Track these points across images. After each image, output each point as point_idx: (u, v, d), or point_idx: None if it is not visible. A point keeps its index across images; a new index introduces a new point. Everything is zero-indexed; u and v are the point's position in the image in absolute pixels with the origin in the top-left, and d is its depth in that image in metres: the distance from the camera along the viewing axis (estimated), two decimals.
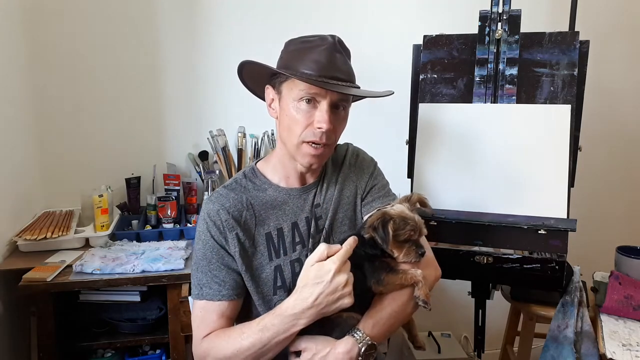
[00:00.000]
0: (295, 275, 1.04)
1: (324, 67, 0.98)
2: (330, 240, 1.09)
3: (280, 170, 1.10)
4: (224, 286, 1.02)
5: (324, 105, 0.99)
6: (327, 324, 0.95)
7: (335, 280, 0.87)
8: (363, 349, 0.93)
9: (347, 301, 0.89)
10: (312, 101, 0.99)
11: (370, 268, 0.99)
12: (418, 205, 1.06)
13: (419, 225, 1.00)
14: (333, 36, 1.02)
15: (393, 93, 1.09)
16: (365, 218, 1.11)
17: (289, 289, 1.04)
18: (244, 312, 1.07)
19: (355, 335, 0.95)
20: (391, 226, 0.97)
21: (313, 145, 1.00)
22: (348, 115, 1.06)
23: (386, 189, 1.18)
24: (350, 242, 0.92)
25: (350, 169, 1.17)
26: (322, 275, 0.88)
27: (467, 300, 1.78)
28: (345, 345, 0.93)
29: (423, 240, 1.05)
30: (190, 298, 1.35)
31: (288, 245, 1.07)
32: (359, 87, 1.05)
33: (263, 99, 1.13)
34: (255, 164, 1.15)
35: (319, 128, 0.99)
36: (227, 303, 1.02)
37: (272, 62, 1.07)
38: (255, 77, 1.10)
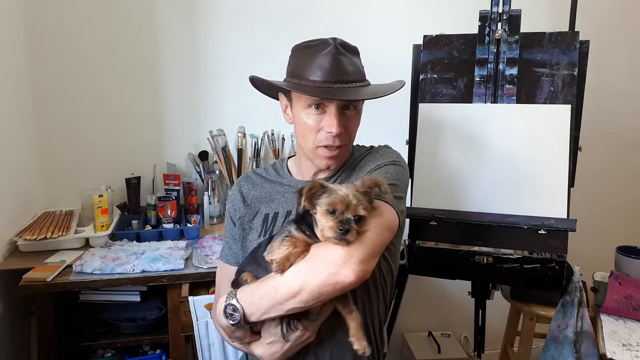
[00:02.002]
0: None
1: (328, 72, 1.00)
2: None
3: (300, 167, 1.16)
4: (230, 252, 1.16)
5: (332, 109, 1.01)
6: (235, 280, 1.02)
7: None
8: (224, 307, 0.92)
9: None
10: (320, 106, 1.02)
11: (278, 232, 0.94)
12: (376, 190, 0.90)
13: (348, 200, 0.84)
14: (334, 39, 1.02)
15: (403, 84, 1.13)
16: None
17: None
18: None
19: (230, 293, 0.94)
20: (306, 189, 0.86)
21: (327, 148, 1.04)
22: (361, 112, 1.09)
23: (390, 181, 1.00)
24: None
25: (355, 167, 1.11)
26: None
27: (467, 300, 1.79)
28: (222, 299, 0.95)
29: (373, 224, 0.88)
30: (194, 310, 1.48)
31: (277, 228, 1.10)
32: (369, 84, 1.07)
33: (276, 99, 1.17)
34: (288, 158, 1.22)
35: (329, 132, 1.02)
36: (230, 268, 1.12)
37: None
38: (267, 85, 1.12)
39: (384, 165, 1.06)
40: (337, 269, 0.83)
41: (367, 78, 1.09)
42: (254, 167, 1.19)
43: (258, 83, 1.14)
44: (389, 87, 1.10)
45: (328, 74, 1.00)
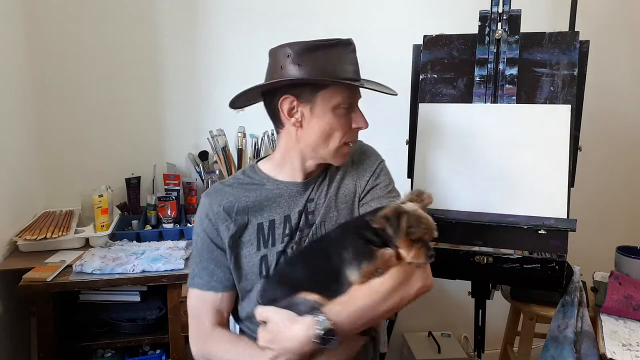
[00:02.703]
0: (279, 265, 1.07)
1: (356, 70, 1.05)
2: (318, 235, 1.08)
3: (286, 169, 1.11)
4: (213, 277, 1.06)
5: (357, 106, 1.06)
6: (288, 303, 0.93)
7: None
8: (322, 332, 0.87)
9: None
10: (349, 106, 1.04)
11: (352, 250, 0.95)
12: (428, 206, 1.02)
13: (432, 227, 0.95)
14: (348, 39, 1.05)
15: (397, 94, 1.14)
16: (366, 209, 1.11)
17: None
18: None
19: (317, 316, 0.89)
20: (405, 220, 0.92)
21: (349, 145, 1.08)
22: None
23: (389, 188, 1.14)
24: None
25: (352, 166, 1.15)
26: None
27: (467, 300, 1.78)
28: (303, 324, 0.89)
29: None
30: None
31: (277, 237, 1.07)
32: (385, 86, 1.14)
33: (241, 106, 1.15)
34: (256, 162, 1.16)
35: (359, 128, 1.07)
36: (216, 295, 1.06)
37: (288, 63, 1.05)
38: (251, 96, 1.10)
39: (380, 170, 1.16)
40: (425, 283, 1.01)
41: (365, 78, 1.11)
42: (223, 181, 1.14)
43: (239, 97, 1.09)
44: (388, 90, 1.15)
45: (356, 72, 1.05)
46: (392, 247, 0.95)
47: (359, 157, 1.17)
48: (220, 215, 1.06)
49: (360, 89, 1.06)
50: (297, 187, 1.10)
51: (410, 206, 0.97)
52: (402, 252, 0.94)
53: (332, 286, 0.94)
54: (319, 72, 1.01)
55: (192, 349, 1.06)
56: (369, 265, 0.93)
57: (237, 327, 1.16)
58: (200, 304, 1.06)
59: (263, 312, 0.96)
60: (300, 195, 1.10)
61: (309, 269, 0.99)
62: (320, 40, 1.02)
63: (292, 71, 1.01)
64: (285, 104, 1.04)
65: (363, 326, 0.95)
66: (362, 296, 0.93)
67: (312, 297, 0.93)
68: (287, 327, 0.90)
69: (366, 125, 1.06)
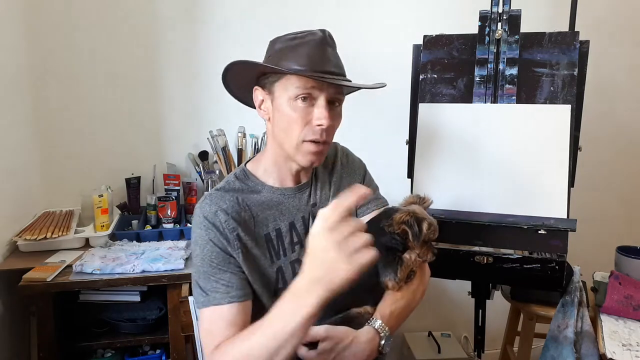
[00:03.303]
0: (296, 276, 1.02)
1: (317, 62, 0.95)
2: None
3: (273, 172, 1.06)
4: (232, 287, 0.94)
5: (321, 101, 0.96)
6: (340, 320, 0.95)
7: (331, 241, 0.67)
8: (385, 339, 0.95)
9: (345, 277, 0.67)
10: (308, 99, 0.96)
11: (383, 261, 1.00)
12: (428, 208, 1.11)
13: (437, 228, 1.05)
14: (323, 30, 0.99)
15: (385, 85, 1.09)
16: (370, 214, 1.14)
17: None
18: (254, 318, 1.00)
19: (376, 325, 0.96)
20: (426, 226, 1.00)
21: (314, 143, 0.98)
22: (342, 112, 1.05)
23: (377, 191, 1.20)
24: (361, 192, 0.69)
25: (343, 169, 1.17)
26: (316, 242, 0.70)
27: (467, 300, 1.78)
28: (367, 334, 0.94)
29: None
30: (194, 310, 1.29)
31: (287, 246, 1.05)
32: (350, 81, 1.02)
33: (249, 105, 1.11)
34: (245, 165, 1.10)
35: (318, 125, 0.96)
36: (236, 306, 0.93)
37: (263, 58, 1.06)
38: (242, 83, 1.06)
39: (366, 172, 1.21)
40: (429, 273, 1.16)
41: (364, 79, 1.08)
42: (217, 187, 1.05)
43: (231, 78, 1.04)
44: (375, 84, 1.08)
45: (317, 64, 0.94)
46: (411, 249, 1.02)
47: (346, 159, 1.19)
48: (229, 224, 0.97)
49: (353, 88, 1.02)
50: (293, 192, 1.07)
51: (417, 209, 1.04)
52: (420, 252, 1.03)
53: (373, 296, 1.01)
54: (275, 61, 0.98)
55: None
56: (402, 270, 1.01)
57: None
58: (219, 322, 0.92)
59: (319, 331, 0.91)
60: (299, 200, 1.08)
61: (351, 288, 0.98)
62: (293, 32, 0.99)
63: (263, 60, 1.01)
64: (256, 95, 1.03)
65: (402, 323, 1.03)
66: (400, 297, 1.01)
67: (363, 309, 0.99)
68: (352, 342, 0.92)
69: (327, 122, 0.95)
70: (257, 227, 1.02)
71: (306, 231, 1.07)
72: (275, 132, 1.02)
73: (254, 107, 1.08)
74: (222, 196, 1.01)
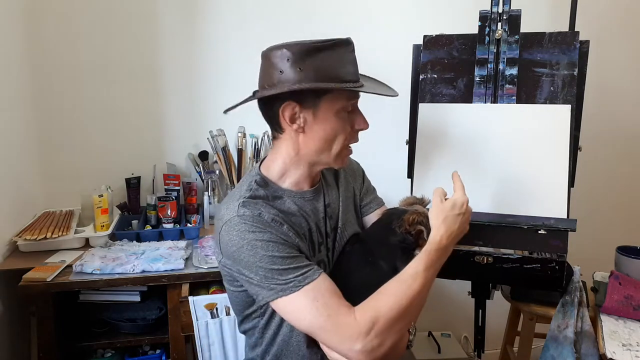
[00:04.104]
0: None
1: (356, 72, 1.03)
2: (344, 238, 1.13)
3: (291, 177, 1.07)
4: (312, 264, 0.95)
5: (358, 108, 1.06)
6: None
7: (469, 208, 1.07)
8: (413, 333, 1.02)
9: (467, 229, 1.08)
10: (351, 106, 1.04)
11: (400, 260, 1.04)
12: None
13: None
14: (347, 38, 1.01)
15: (397, 95, 1.13)
16: (372, 215, 1.21)
17: None
18: None
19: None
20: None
21: (349, 147, 1.08)
22: None
23: (374, 190, 1.29)
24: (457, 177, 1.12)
25: (345, 171, 1.23)
26: (460, 206, 1.04)
27: (467, 300, 1.78)
28: None
29: None
30: (194, 311, 1.42)
31: (316, 246, 1.07)
32: (391, 89, 1.15)
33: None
34: (259, 171, 1.09)
35: (360, 130, 1.06)
36: (325, 276, 0.94)
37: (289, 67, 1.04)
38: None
39: (364, 173, 1.29)
40: None
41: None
42: (245, 195, 1.01)
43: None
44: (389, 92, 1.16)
45: (357, 74, 1.03)
46: (421, 248, 1.05)
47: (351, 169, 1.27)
48: (276, 220, 0.98)
49: (393, 94, 1.10)
50: (311, 195, 1.09)
51: (422, 209, 1.10)
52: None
53: None
54: (322, 76, 0.96)
55: (350, 352, 0.88)
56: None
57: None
58: (324, 294, 0.90)
59: None
60: (317, 202, 1.10)
61: (374, 287, 0.98)
62: (319, 40, 0.97)
63: (293, 75, 0.96)
64: (287, 110, 0.99)
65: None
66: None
67: None
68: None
69: (367, 126, 1.06)
70: (296, 226, 1.03)
71: (326, 231, 1.09)
72: (310, 142, 1.02)
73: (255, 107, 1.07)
74: (255, 203, 1.00)
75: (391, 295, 0.93)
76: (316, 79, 0.96)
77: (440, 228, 1.01)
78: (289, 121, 1.00)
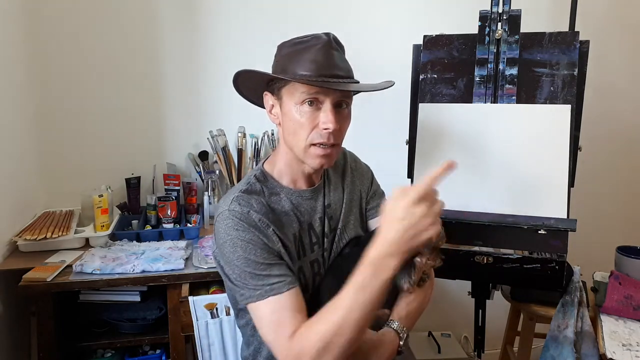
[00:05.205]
0: (315, 275, 1.07)
1: (322, 66, 0.96)
2: (343, 240, 1.13)
3: (287, 174, 1.08)
4: (285, 275, 0.94)
5: (327, 105, 0.97)
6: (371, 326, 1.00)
7: (412, 213, 0.80)
8: (403, 339, 1.00)
9: (429, 233, 0.81)
10: (314, 103, 0.98)
11: (401, 267, 1.02)
12: None
13: (444, 235, 1.06)
14: (327, 34, 1.00)
15: (393, 84, 1.08)
16: (376, 219, 1.17)
17: (309, 290, 1.05)
18: None
19: (394, 326, 1.00)
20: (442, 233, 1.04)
21: (321, 146, 0.99)
22: (351, 112, 1.06)
23: (383, 195, 1.25)
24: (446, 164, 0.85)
25: (353, 173, 1.21)
26: (397, 210, 0.81)
27: (467, 300, 1.78)
28: (389, 335, 0.99)
29: None
30: (193, 310, 1.41)
31: (307, 246, 1.07)
32: (358, 82, 1.03)
33: (260, 105, 1.12)
34: (262, 165, 1.12)
35: (325, 129, 0.97)
36: (295, 291, 0.93)
37: (272, 63, 1.06)
38: (251, 86, 1.08)
39: (373, 177, 1.26)
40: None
41: (363, 80, 1.08)
42: (241, 189, 1.04)
43: (242, 83, 1.07)
44: (381, 84, 1.09)
45: (322, 68, 0.96)
46: (421, 254, 1.02)
47: (355, 164, 1.24)
48: (263, 222, 0.98)
49: (350, 89, 1.02)
50: (309, 194, 1.10)
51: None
52: (430, 257, 1.05)
53: (387, 299, 1.02)
54: (280, 67, 1.01)
55: None
56: (416, 273, 1.02)
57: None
58: (284, 311, 0.90)
59: None
60: (315, 201, 1.10)
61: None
62: (299, 37, 1.01)
63: (272, 65, 1.04)
64: (266, 100, 1.06)
65: (414, 325, 1.07)
66: (413, 300, 1.05)
67: (381, 311, 1.02)
68: (374, 345, 0.96)
69: (333, 125, 0.96)
70: (285, 227, 1.03)
71: (322, 231, 1.10)
72: (285, 136, 1.04)
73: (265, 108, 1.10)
74: (248, 198, 1.01)
75: (321, 320, 0.85)
76: (275, 71, 1.03)
77: (376, 240, 0.84)
78: (269, 111, 1.07)
